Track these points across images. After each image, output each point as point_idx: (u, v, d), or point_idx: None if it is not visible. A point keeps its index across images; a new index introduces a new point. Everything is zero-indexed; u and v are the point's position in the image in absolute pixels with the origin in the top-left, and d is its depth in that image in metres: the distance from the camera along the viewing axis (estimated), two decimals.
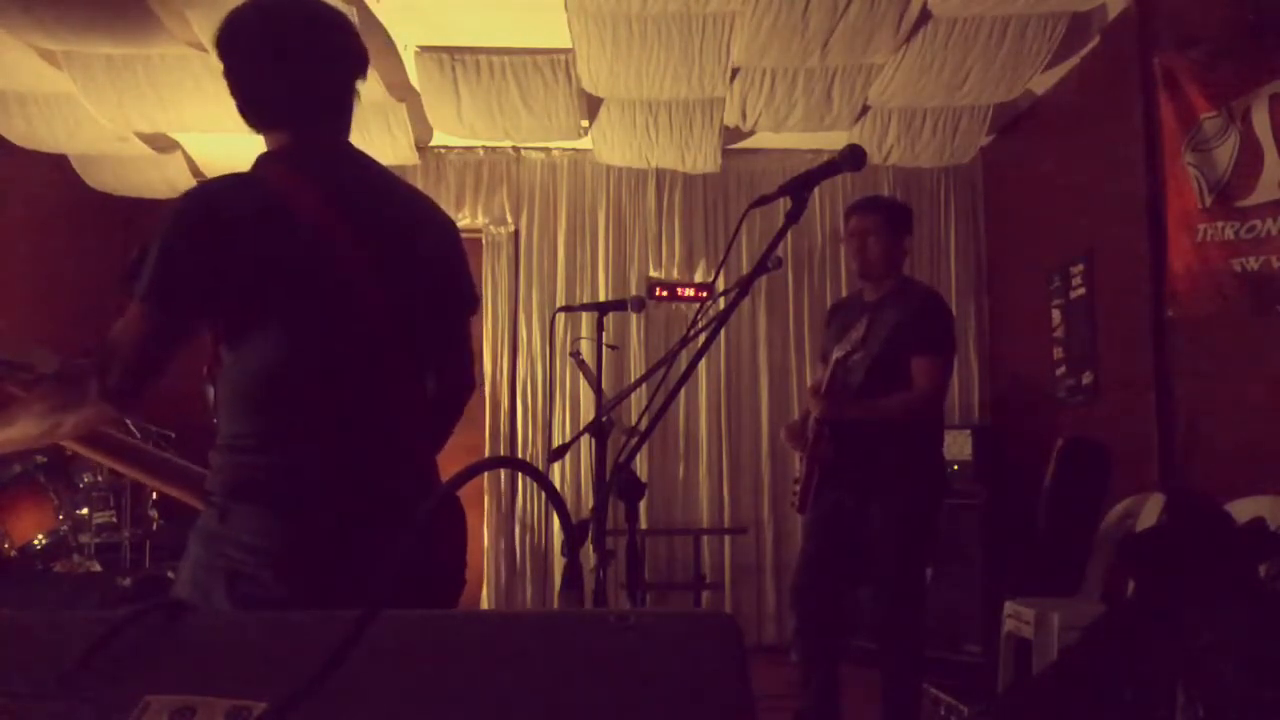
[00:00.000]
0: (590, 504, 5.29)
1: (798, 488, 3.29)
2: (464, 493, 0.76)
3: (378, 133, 5.22)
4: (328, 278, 1.50)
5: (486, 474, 5.60)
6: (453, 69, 4.57)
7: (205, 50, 4.18)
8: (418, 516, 0.70)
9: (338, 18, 1.63)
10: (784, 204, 1.61)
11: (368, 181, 1.62)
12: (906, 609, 3.13)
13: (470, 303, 1.78)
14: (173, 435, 4.41)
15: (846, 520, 3.17)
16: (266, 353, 1.49)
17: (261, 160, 1.57)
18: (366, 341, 1.53)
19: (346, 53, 1.63)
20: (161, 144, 5.23)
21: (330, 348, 1.52)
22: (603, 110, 5.06)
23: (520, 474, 5.53)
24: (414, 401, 1.62)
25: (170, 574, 3.52)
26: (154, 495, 4.52)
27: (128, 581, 4.05)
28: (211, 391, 1.54)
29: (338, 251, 1.50)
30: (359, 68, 1.65)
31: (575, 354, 3.72)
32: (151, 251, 1.44)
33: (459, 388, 1.78)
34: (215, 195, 1.51)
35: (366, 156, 1.67)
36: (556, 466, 5.45)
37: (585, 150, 5.71)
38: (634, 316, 5.61)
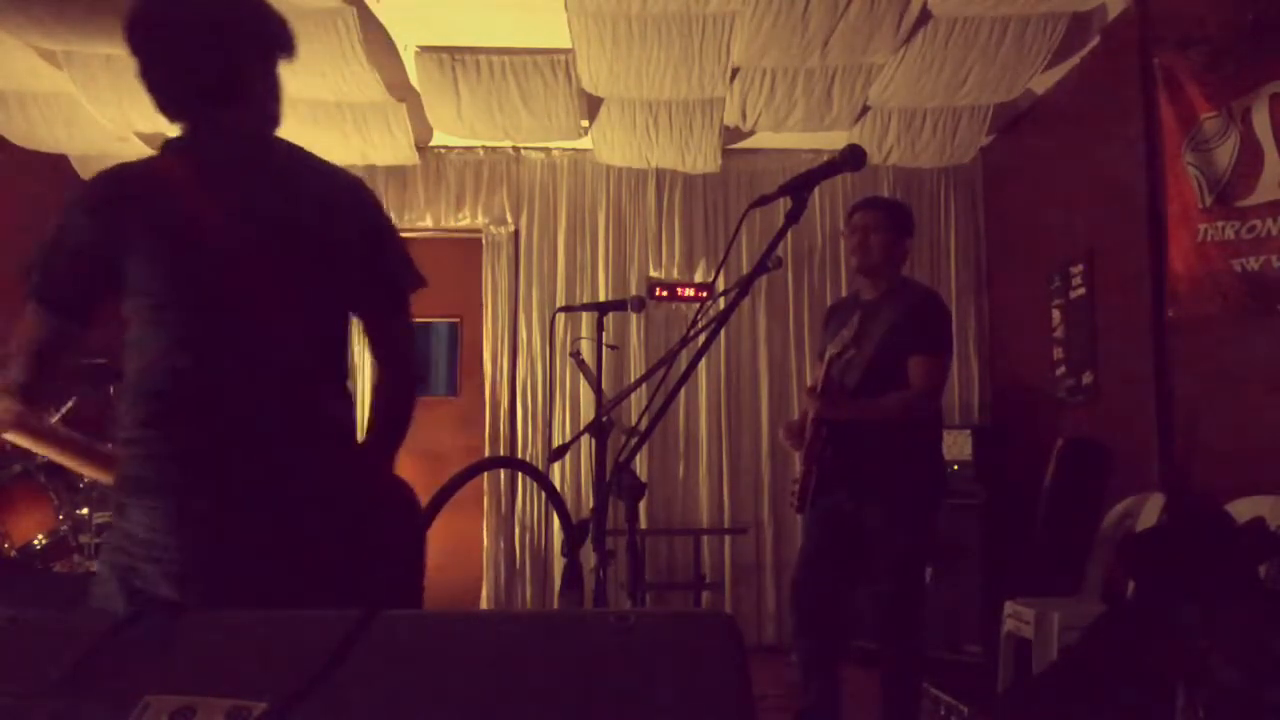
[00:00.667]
0: (590, 504, 5.28)
1: (796, 487, 3.29)
2: (464, 493, 0.76)
3: (378, 133, 5.23)
4: (200, 266, 1.47)
5: (486, 474, 5.60)
6: (453, 69, 4.57)
7: None
8: (417, 523, 0.70)
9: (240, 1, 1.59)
10: (784, 204, 1.61)
11: (267, 164, 1.58)
12: (906, 609, 3.12)
13: (403, 288, 1.69)
14: None
15: (846, 520, 3.17)
16: (147, 344, 1.49)
17: (162, 148, 1.57)
18: (252, 331, 1.48)
19: (249, 33, 1.59)
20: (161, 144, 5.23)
21: (210, 337, 1.49)
22: (603, 110, 5.06)
23: (520, 474, 5.53)
24: (320, 392, 1.56)
25: None
26: None
27: None
28: None
29: (215, 240, 1.46)
30: (269, 46, 1.62)
31: (575, 354, 3.72)
32: (37, 251, 1.49)
33: (401, 379, 1.71)
34: (90, 190, 1.53)
35: (275, 138, 1.63)
36: (556, 466, 5.44)
37: (585, 150, 5.71)
38: (634, 316, 5.61)
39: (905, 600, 3.13)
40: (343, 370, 1.63)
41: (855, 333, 3.11)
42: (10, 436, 1.64)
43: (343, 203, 1.62)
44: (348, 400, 1.64)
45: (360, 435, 1.68)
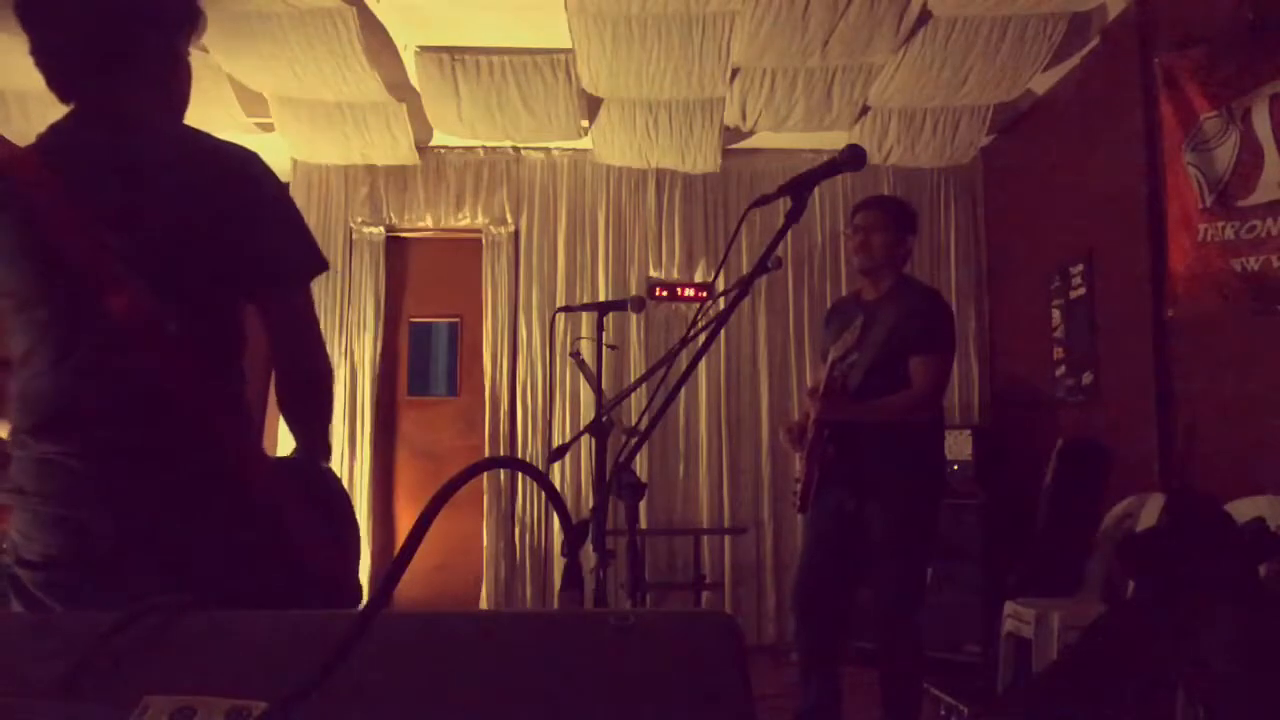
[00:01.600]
0: (590, 504, 5.28)
1: (798, 487, 3.29)
2: (463, 493, 0.76)
3: (378, 133, 5.23)
4: (50, 264, 1.41)
5: (486, 474, 5.60)
6: (453, 69, 4.57)
7: (205, 51, 4.19)
8: (418, 525, 0.69)
9: None
10: (784, 204, 1.61)
11: (135, 151, 1.47)
12: (906, 609, 3.12)
13: (286, 269, 1.54)
14: None
15: (847, 520, 3.17)
16: (14, 345, 1.47)
17: (39, 136, 1.51)
18: (108, 330, 1.39)
19: (144, 4, 1.52)
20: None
21: (63, 338, 1.43)
22: (603, 110, 5.06)
23: (520, 474, 5.53)
24: (189, 389, 1.42)
25: None
26: None
27: None
28: None
29: (64, 236, 1.39)
30: (169, 19, 1.55)
31: (575, 354, 3.72)
32: None
33: (286, 366, 1.56)
34: None
35: (163, 121, 1.55)
36: (556, 466, 5.44)
37: (585, 150, 5.71)
38: (634, 316, 5.61)
39: (905, 600, 3.13)
40: (224, 363, 1.51)
41: (858, 336, 3.11)
42: None
43: (217, 184, 1.48)
44: (227, 394, 1.51)
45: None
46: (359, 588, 1.57)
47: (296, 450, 1.59)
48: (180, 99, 1.61)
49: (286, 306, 1.54)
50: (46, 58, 1.50)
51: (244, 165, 1.52)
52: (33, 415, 1.44)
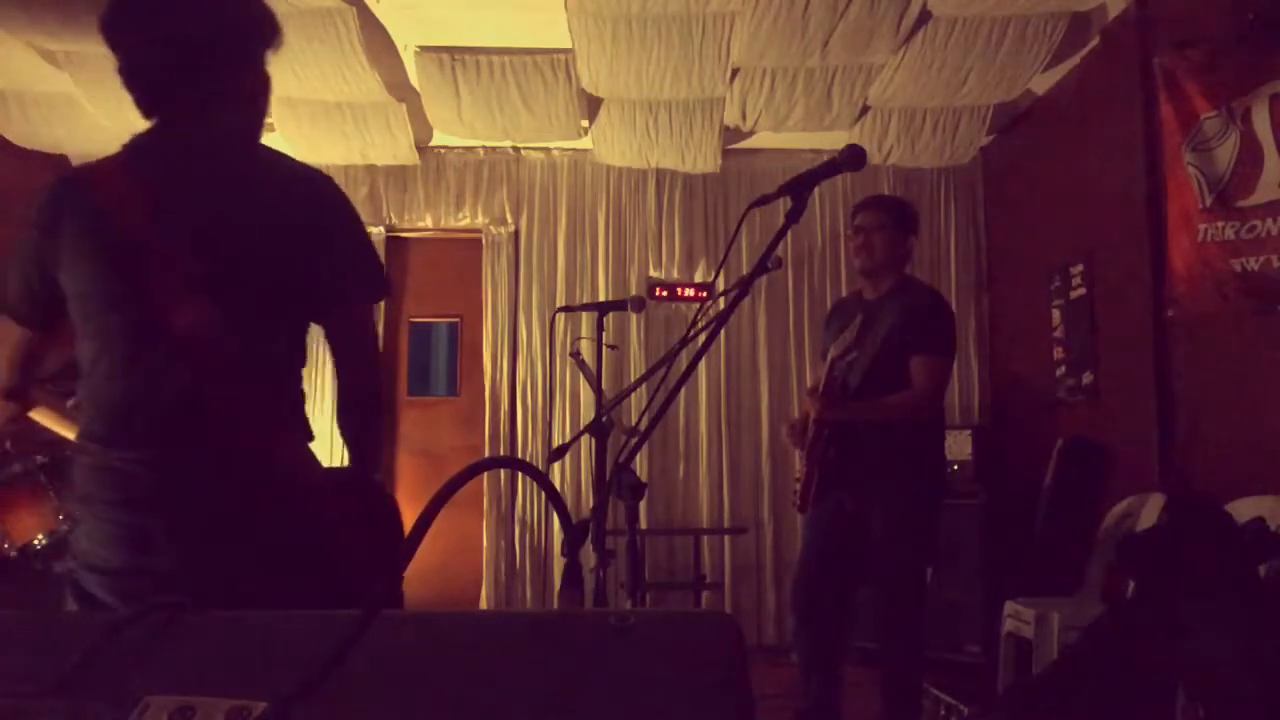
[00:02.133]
0: (590, 504, 5.28)
1: (798, 487, 3.29)
2: (463, 493, 0.76)
3: (378, 133, 5.23)
4: (124, 272, 1.43)
5: (486, 474, 5.60)
6: (453, 69, 4.57)
7: None
8: (418, 525, 0.69)
9: None
10: (784, 204, 1.61)
11: (215, 165, 1.50)
12: (906, 609, 3.12)
13: (353, 295, 1.59)
14: None
15: (847, 520, 3.17)
16: (84, 353, 1.50)
17: (123, 146, 1.55)
18: (176, 341, 1.41)
19: (229, 20, 1.55)
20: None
21: (132, 348, 1.45)
22: (603, 110, 5.06)
23: (520, 474, 5.53)
24: (251, 405, 1.45)
25: None
26: None
27: None
28: None
29: (139, 246, 1.42)
30: (251, 34, 1.58)
31: (575, 354, 3.72)
32: (4, 264, 1.54)
33: (348, 391, 1.60)
34: (42, 200, 1.53)
35: (241, 137, 1.57)
36: (556, 466, 5.44)
37: (585, 150, 5.72)
38: (634, 316, 5.61)
39: (905, 600, 3.13)
40: (287, 381, 1.55)
41: (857, 333, 3.11)
42: (35, 416, 1.70)
43: (292, 205, 1.52)
44: (287, 410, 1.54)
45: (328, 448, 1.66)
46: (404, 599, 1.59)
47: (350, 462, 1.63)
48: (259, 113, 1.64)
49: (352, 327, 1.59)
50: (134, 77, 1.54)
51: (320, 188, 1.56)
52: (98, 421, 1.47)
